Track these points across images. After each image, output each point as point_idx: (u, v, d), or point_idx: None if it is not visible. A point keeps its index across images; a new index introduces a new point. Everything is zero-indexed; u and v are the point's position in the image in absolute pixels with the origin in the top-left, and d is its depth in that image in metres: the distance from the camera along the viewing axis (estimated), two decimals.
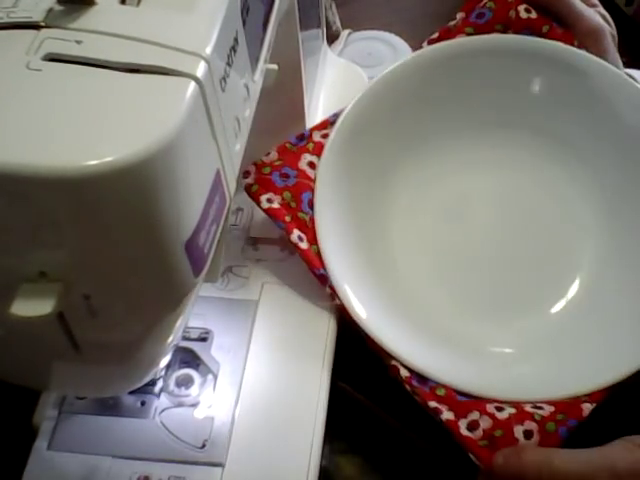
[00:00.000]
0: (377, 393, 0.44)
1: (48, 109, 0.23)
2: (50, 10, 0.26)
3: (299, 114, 0.50)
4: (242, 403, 0.42)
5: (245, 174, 0.46)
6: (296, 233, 0.45)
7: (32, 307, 0.24)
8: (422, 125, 0.49)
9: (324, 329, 0.45)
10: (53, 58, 0.25)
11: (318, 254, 0.45)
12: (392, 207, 0.49)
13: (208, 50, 0.26)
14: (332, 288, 0.44)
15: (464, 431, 0.39)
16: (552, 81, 0.47)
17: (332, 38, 0.66)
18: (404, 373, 0.41)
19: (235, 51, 0.29)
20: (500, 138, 0.49)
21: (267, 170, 0.46)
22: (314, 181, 0.46)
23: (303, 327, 0.45)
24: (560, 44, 0.46)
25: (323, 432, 0.41)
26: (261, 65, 0.34)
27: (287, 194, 0.46)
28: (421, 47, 0.48)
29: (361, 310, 0.43)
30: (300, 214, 0.46)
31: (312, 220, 0.46)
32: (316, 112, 0.56)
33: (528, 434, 0.38)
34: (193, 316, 0.44)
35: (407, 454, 0.44)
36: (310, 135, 0.48)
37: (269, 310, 0.46)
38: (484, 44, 0.47)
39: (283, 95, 0.45)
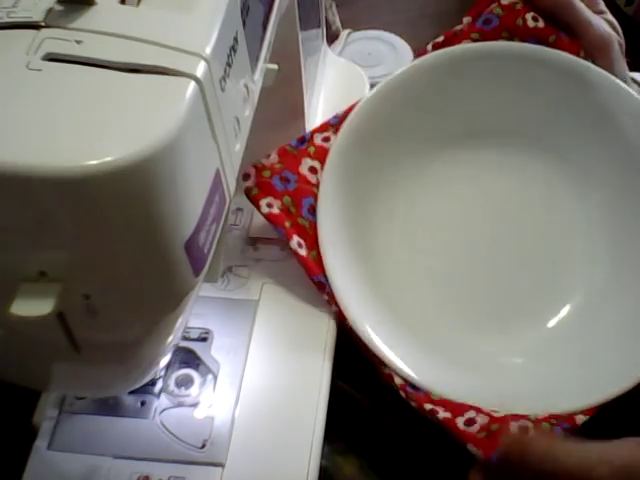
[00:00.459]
0: (376, 393, 0.44)
1: (48, 109, 0.23)
2: (50, 10, 0.26)
3: (299, 114, 0.50)
4: (242, 403, 0.42)
5: (245, 177, 0.46)
6: (296, 239, 0.45)
7: (32, 307, 0.24)
8: (425, 134, 0.48)
9: (324, 329, 0.45)
10: (53, 58, 0.25)
11: (316, 260, 0.45)
12: (393, 219, 0.48)
13: (208, 50, 0.26)
14: (330, 295, 0.44)
15: (461, 426, 0.39)
16: (556, 92, 0.46)
17: (332, 38, 0.66)
18: (398, 381, 0.42)
19: (235, 51, 0.29)
20: (501, 151, 0.48)
21: (267, 174, 0.46)
22: (315, 186, 0.46)
23: (303, 327, 0.45)
24: (565, 54, 0.45)
25: (323, 432, 0.41)
26: (261, 65, 0.34)
27: (287, 199, 0.46)
28: (425, 50, 0.47)
29: (360, 322, 0.43)
30: (300, 220, 0.45)
31: (312, 226, 0.46)
32: (316, 112, 0.56)
33: (523, 429, 0.38)
34: (193, 316, 0.44)
35: (406, 454, 0.44)
36: (311, 138, 0.48)
37: (269, 310, 0.46)
38: (489, 50, 0.46)
39: (283, 95, 0.45)
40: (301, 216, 0.46)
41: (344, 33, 0.68)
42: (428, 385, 0.42)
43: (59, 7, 0.26)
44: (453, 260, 0.48)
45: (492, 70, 0.47)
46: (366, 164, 0.47)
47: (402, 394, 0.42)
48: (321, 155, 0.47)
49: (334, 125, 0.48)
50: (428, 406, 0.40)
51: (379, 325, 0.44)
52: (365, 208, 0.47)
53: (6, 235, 0.24)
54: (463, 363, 0.44)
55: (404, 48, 0.67)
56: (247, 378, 0.43)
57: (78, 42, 0.25)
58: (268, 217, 0.45)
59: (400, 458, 0.44)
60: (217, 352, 0.44)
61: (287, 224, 0.45)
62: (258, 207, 0.46)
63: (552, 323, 0.45)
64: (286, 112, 0.49)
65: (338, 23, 0.68)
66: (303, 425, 0.41)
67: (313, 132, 0.48)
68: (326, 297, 0.44)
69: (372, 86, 0.50)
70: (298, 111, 0.50)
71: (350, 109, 0.48)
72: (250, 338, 0.45)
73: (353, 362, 0.45)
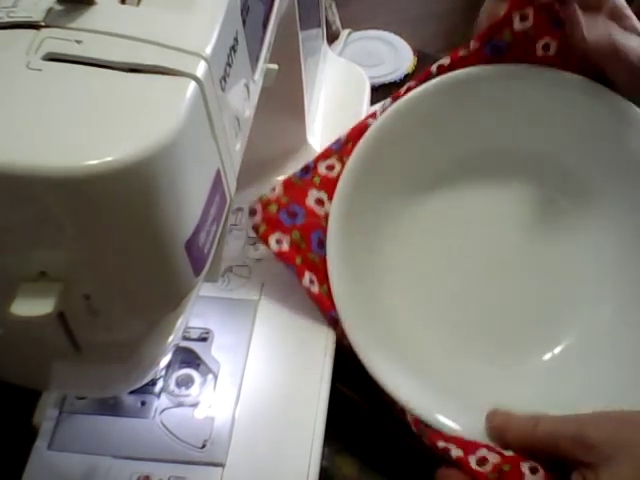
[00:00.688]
0: (375, 395, 0.44)
1: (48, 109, 0.23)
2: (50, 10, 0.26)
3: (299, 114, 0.50)
4: (242, 403, 0.42)
5: (251, 212, 0.46)
6: (307, 276, 0.45)
7: (32, 307, 0.24)
8: (425, 165, 0.47)
9: (324, 329, 0.45)
10: (53, 58, 0.25)
11: (328, 295, 0.45)
12: (398, 256, 0.48)
13: (208, 50, 0.26)
14: (342, 331, 0.44)
15: (474, 466, 0.39)
16: (564, 117, 0.45)
17: (332, 38, 0.67)
18: (410, 417, 0.42)
19: (235, 51, 0.29)
20: (504, 186, 0.48)
21: (274, 208, 0.46)
22: (322, 219, 0.46)
23: (303, 327, 0.45)
24: (575, 76, 0.44)
25: (323, 432, 0.41)
26: (261, 65, 0.34)
27: (296, 234, 0.45)
28: (429, 70, 0.46)
29: (370, 357, 0.43)
30: (310, 255, 0.45)
31: (322, 260, 0.45)
32: (316, 112, 0.56)
33: (533, 470, 0.38)
34: (193, 316, 0.44)
35: (404, 455, 0.44)
36: (315, 167, 0.47)
37: (269, 310, 0.46)
38: (489, 75, 0.45)
39: (283, 95, 0.45)
40: (311, 251, 0.45)
41: (344, 33, 0.68)
42: (440, 424, 0.41)
43: (59, 7, 0.26)
44: (456, 297, 0.48)
45: (494, 93, 0.46)
46: (370, 201, 0.47)
47: (414, 429, 0.42)
48: (327, 186, 0.46)
49: (337, 151, 0.47)
50: (441, 444, 0.40)
51: (388, 361, 0.44)
52: (372, 249, 0.47)
53: (6, 235, 0.24)
54: (473, 404, 0.43)
55: (404, 48, 0.67)
56: (247, 378, 0.43)
57: (78, 42, 0.25)
58: (278, 255, 0.45)
59: (399, 459, 0.44)
60: (217, 352, 0.44)
61: (298, 261, 0.45)
62: (267, 244, 0.45)
63: (554, 357, 0.46)
64: (286, 112, 0.49)
65: (338, 23, 0.68)
66: (303, 425, 0.41)
67: (316, 160, 0.47)
68: (339, 331, 0.44)
69: (372, 86, 0.50)
70: (298, 111, 0.50)
71: (352, 132, 0.46)
72: (250, 338, 0.45)
73: (353, 363, 0.45)
